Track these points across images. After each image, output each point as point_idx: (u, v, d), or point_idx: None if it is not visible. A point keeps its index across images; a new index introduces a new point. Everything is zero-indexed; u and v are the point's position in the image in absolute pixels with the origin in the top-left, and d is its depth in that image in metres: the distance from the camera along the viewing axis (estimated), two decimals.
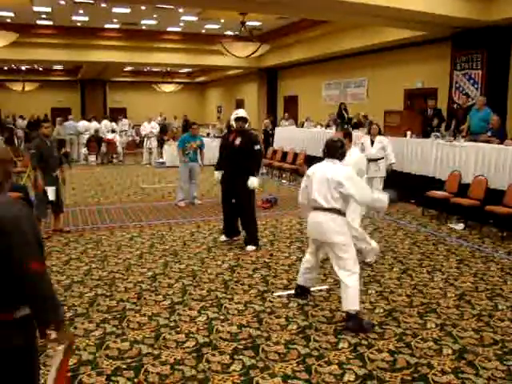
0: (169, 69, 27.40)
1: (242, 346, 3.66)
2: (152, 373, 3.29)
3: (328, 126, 13.46)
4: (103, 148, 16.63)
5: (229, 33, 18.23)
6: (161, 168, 14.90)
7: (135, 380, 3.20)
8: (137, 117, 23.88)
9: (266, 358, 3.50)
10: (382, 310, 4.37)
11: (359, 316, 4.02)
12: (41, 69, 26.67)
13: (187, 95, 31.14)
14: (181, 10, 14.98)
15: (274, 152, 14.15)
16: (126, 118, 20.97)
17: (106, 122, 17.85)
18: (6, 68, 25.60)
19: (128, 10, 14.96)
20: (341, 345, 3.71)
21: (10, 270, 1.87)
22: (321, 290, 4.85)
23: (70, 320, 4.06)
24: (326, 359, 3.48)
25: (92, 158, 16.52)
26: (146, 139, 16.43)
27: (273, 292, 4.80)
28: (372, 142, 8.98)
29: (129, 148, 18.25)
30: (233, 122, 6.47)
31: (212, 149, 12.30)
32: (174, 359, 3.47)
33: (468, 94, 10.47)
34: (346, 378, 3.24)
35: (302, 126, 14.81)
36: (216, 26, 17.43)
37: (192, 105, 30.40)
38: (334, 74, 16.83)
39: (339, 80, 16.64)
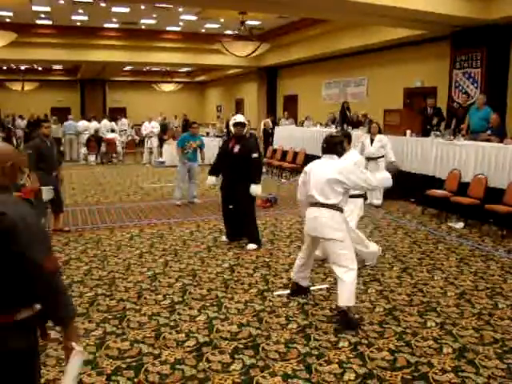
0: (168, 68, 27.40)
1: (242, 346, 3.66)
2: (152, 372, 3.29)
3: (327, 125, 13.47)
4: (103, 148, 16.62)
5: (228, 32, 18.24)
6: (160, 167, 14.91)
7: (135, 380, 3.20)
8: (136, 116, 23.88)
9: (266, 357, 3.50)
10: (382, 309, 4.37)
11: (349, 312, 4.01)
12: (40, 68, 26.67)
13: (187, 95, 31.14)
14: (180, 10, 14.98)
15: (274, 151, 14.15)
16: (125, 117, 20.94)
17: (105, 122, 17.84)
18: (5, 68, 25.60)
19: (127, 10, 14.97)
20: (341, 344, 3.71)
21: (21, 270, 1.87)
22: (321, 289, 4.85)
23: None
24: (326, 358, 3.48)
25: (92, 157, 16.51)
26: (146, 139, 16.44)
27: (273, 291, 4.80)
28: (372, 141, 9.00)
29: (128, 148, 18.24)
30: (231, 128, 6.48)
31: (212, 148, 12.31)
32: (174, 359, 3.47)
33: (468, 92, 10.48)
34: (346, 377, 3.24)
35: (302, 125, 14.81)
36: (216, 26, 17.43)
37: (192, 104, 30.39)
38: (333, 73, 16.83)
39: (339, 79, 16.64)
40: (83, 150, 16.76)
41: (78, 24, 17.31)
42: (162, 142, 16.27)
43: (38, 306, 1.99)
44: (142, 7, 14.42)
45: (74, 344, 2.04)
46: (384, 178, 4.25)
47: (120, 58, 19.35)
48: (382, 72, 14.31)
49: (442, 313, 4.30)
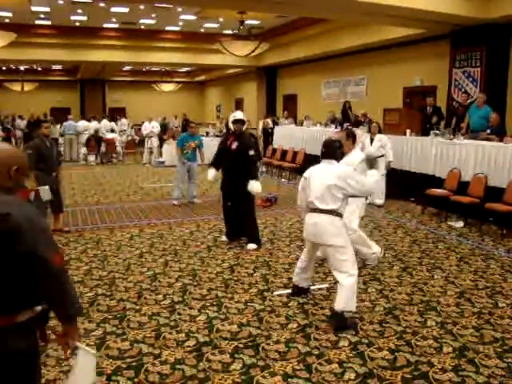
0: (168, 68, 27.39)
1: (242, 345, 3.66)
2: (152, 372, 3.29)
3: (327, 124, 13.46)
4: (103, 148, 16.62)
5: (228, 32, 18.23)
6: (160, 167, 14.91)
7: (135, 380, 3.20)
8: (136, 116, 23.89)
9: (267, 356, 3.50)
10: (382, 309, 4.37)
11: (344, 315, 3.97)
12: (40, 69, 26.68)
13: (186, 94, 31.13)
14: (179, 9, 14.97)
15: (274, 151, 14.15)
16: (125, 117, 20.95)
17: (105, 122, 17.84)
18: (4, 68, 25.61)
19: (127, 10, 14.96)
20: (341, 343, 3.71)
21: (26, 271, 1.87)
22: (321, 289, 4.85)
23: None
24: (327, 358, 3.48)
25: (91, 157, 16.51)
26: (146, 139, 16.44)
27: (273, 291, 4.80)
28: (372, 141, 9.00)
29: (128, 147, 18.24)
30: (230, 125, 6.48)
31: (212, 148, 12.18)
32: (175, 358, 3.47)
33: (467, 91, 10.47)
34: (346, 377, 3.24)
35: (302, 125, 14.80)
36: (215, 25, 17.43)
37: (191, 104, 30.39)
38: (333, 72, 16.83)
39: (338, 78, 16.64)
40: (83, 150, 16.75)
41: (78, 24, 17.32)
42: (162, 141, 16.28)
43: (38, 308, 2.00)
44: (142, 7, 14.42)
45: (77, 343, 2.05)
46: (374, 182, 4.27)
47: (119, 57, 19.36)
48: (381, 71, 14.31)
49: (442, 312, 4.30)
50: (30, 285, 1.91)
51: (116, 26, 17.88)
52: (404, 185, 9.31)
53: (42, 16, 15.99)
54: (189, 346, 3.65)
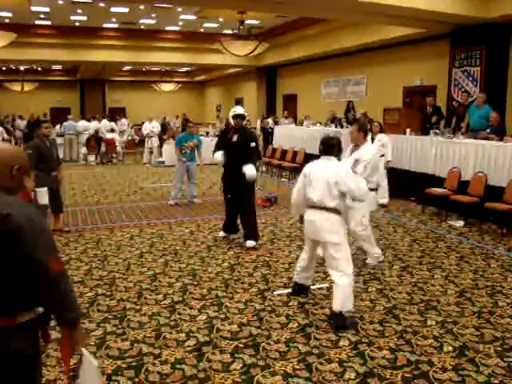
0: (168, 68, 27.38)
1: (242, 345, 3.66)
2: (153, 372, 3.29)
3: (327, 124, 13.46)
4: (103, 148, 16.62)
5: (227, 31, 18.22)
6: (160, 167, 14.91)
7: (136, 380, 3.20)
8: (136, 116, 23.90)
9: (267, 356, 3.50)
10: (382, 308, 4.37)
11: (343, 315, 3.98)
12: (40, 69, 26.68)
13: (186, 94, 31.14)
14: (179, 9, 14.97)
15: (274, 150, 14.15)
16: (125, 117, 20.95)
17: (105, 122, 17.85)
18: (4, 68, 25.61)
19: (126, 10, 14.96)
20: (341, 343, 3.71)
21: (25, 272, 1.86)
22: (321, 288, 4.85)
23: None
24: (327, 357, 3.48)
25: (91, 157, 16.52)
26: (146, 139, 16.44)
27: (273, 290, 4.80)
28: (372, 140, 8.98)
29: (128, 147, 18.25)
30: (231, 119, 6.48)
31: (211, 148, 12.26)
32: (175, 358, 3.47)
33: (467, 91, 10.47)
34: (346, 376, 3.24)
35: (302, 125, 14.80)
36: (215, 25, 17.42)
37: (191, 104, 30.40)
38: (333, 71, 16.83)
39: (338, 78, 16.63)
40: (83, 150, 16.76)
41: (78, 24, 17.32)
42: (162, 141, 16.28)
43: (40, 309, 1.99)
44: (141, 7, 14.41)
45: (83, 350, 2.04)
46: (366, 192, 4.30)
47: (119, 57, 19.35)
48: (381, 71, 14.31)
49: (442, 311, 4.30)
50: (30, 286, 1.90)
51: (116, 25, 17.88)
52: (404, 184, 9.31)
53: (41, 16, 15.99)
54: (189, 346, 3.65)
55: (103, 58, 18.94)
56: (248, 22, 14.91)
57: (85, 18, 16.22)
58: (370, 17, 10.41)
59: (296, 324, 4.04)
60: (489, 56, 10.16)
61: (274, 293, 4.74)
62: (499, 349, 3.61)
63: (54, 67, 26.86)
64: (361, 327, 3.97)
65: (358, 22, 12.89)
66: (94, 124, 17.44)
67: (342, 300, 3.96)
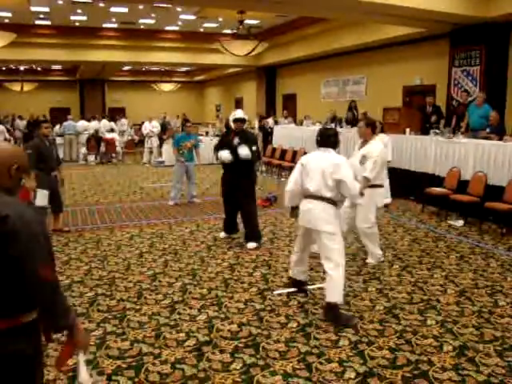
0: (167, 68, 27.38)
1: (242, 345, 3.66)
2: (152, 372, 3.29)
3: (327, 123, 13.44)
4: (102, 148, 16.61)
5: (227, 31, 18.22)
6: (160, 167, 14.90)
7: (136, 379, 3.20)
8: (136, 116, 23.90)
9: (267, 356, 3.50)
10: (382, 307, 4.37)
11: (338, 308, 4.04)
12: (39, 69, 26.67)
13: (186, 94, 31.13)
14: (179, 9, 14.96)
15: (273, 150, 14.15)
16: (124, 117, 20.95)
17: (105, 122, 17.85)
18: (4, 68, 25.60)
19: (126, 10, 14.96)
20: (341, 342, 3.71)
21: (19, 275, 1.84)
22: (320, 288, 4.84)
23: None
24: (327, 357, 3.48)
25: (91, 157, 16.51)
26: (146, 138, 16.44)
27: (273, 290, 4.80)
28: None
29: (128, 147, 18.25)
30: (231, 123, 6.48)
31: (211, 148, 12.28)
32: (175, 358, 3.47)
33: (467, 90, 10.47)
34: (346, 376, 3.24)
35: (301, 124, 14.79)
36: (214, 25, 17.42)
37: (191, 104, 30.40)
38: (332, 71, 16.82)
39: (338, 77, 16.63)
40: (83, 150, 16.75)
41: (77, 24, 17.31)
42: (162, 141, 16.28)
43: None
44: (141, 7, 14.41)
45: (81, 355, 2.05)
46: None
47: (119, 57, 19.34)
48: (381, 70, 14.31)
49: (442, 311, 4.30)
50: (25, 288, 1.89)
51: (115, 25, 17.87)
52: (404, 184, 9.30)
53: (41, 16, 15.98)
54: (189, 346, 3.65)
55: (103, 58, 18.94)
56: (247, 21, 14.90)
57: (84, 17, 16.21)
58: (369, 16, 10.41)
59: (296, 324, 4.04)
60: (488, 55, 10.16)
61: (274, 292, 4.74)
62: (499, 348, 3.61)
63: (54, 67, 26.86)
64: (361, 327, 3.97)
65: (357, 22, 12.89)
66: (93, 124, 17.42)
67: (336, 292, 4.03)
